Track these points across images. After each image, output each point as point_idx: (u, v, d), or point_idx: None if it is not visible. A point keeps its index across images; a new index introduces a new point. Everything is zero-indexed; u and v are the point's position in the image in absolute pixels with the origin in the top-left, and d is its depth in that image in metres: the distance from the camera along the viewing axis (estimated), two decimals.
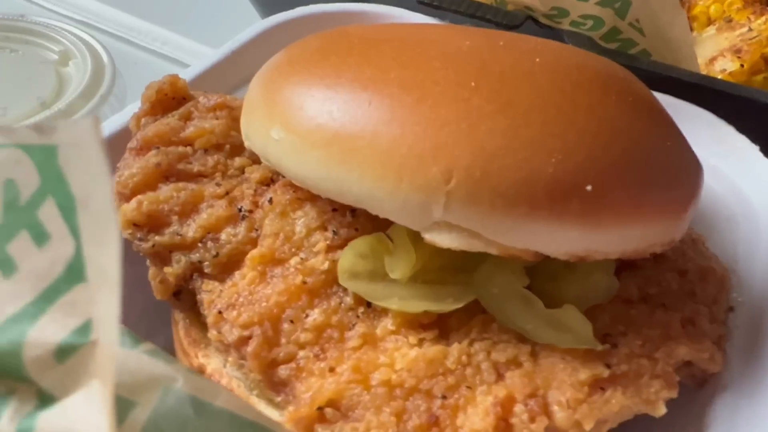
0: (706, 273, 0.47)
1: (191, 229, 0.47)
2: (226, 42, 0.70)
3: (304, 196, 0.47)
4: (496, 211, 0.36)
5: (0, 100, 0.63)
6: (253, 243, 0.46)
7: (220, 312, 0.44)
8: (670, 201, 0.40)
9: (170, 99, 0.55)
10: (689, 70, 0.64)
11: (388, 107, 0.38)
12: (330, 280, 0.44)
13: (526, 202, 0.36)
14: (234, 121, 0.54)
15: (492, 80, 0.39)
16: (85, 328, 0.21)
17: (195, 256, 0.46)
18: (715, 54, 0.84)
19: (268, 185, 0.50)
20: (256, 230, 0.47)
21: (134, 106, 0.56)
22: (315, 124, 0.40)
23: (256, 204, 0.48)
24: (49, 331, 0.21)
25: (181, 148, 0.51)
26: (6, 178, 0.22)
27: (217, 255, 0.46)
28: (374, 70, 0.40)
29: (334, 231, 0.46)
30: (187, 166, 0.50)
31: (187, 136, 0.52)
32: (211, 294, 0.45)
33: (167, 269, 0.46)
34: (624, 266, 0.45)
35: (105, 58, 0.72)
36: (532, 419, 0.38)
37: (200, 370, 0.47)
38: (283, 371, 0.41)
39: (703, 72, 0.82)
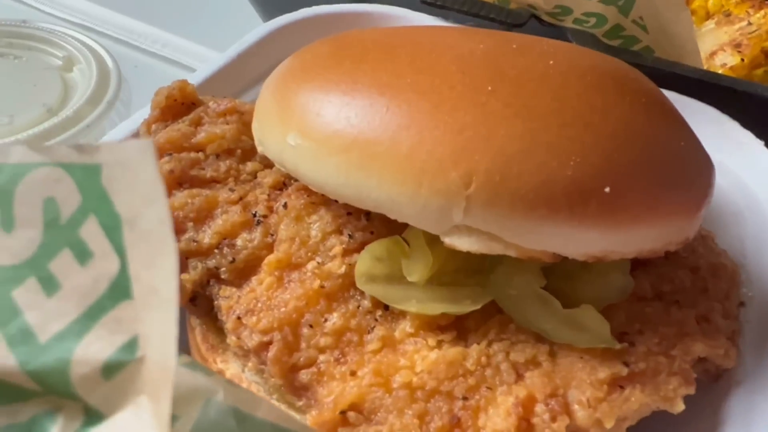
0: (717, 269, 0.48)
1: (207, 236, 0.47)
2: (227, 44, 0.70)
3: (318, 200, 0.47)
4: (516, 214, 0.37)
5: (6, 107, 0.63)
6: (269, 248, 0.47)
7: (239, 318, 0.44)
8: (685, 201, 0.41)
9: (180, 104, 0.55)
10: (693, 66, 0.65)
11: (405, 113, 0.38)
12: (347, 284, 0.44)
13: (546, 204, 0.36)
14: (244, 125, 0.54)
15: (508, 84, 0.39)
16: (132, 344, 0.21)
17: (211, 263, 0.46)
18: (715, 48, 0.85)
19: (281, 189, 0.50)
20: (272, 235, 0.47)
21: (143, 112, 0.56)
22: (333, 130, 0.40)
23: (270, 209, 0.48)
24: (95, 348, 0.21)
25: (193, 154, 0.51)
26: (46, 196, 0.22)
27: (233, 261, 0.46)
28: (390, 75, 0.40)
29: (349, 235, 0.46)
30: (200, 172, 0.50)
31: (199, 141, 0.52)
32: (229, 300, 0.45)
33: (184, 276, 0.46)
34: (637, 264, 0.45)
35: (110, 62, 0.72)
36: (553, 419, 0.38)
37: None
38: (304, 376, 0.42)
39: (704, 65, 0.83)
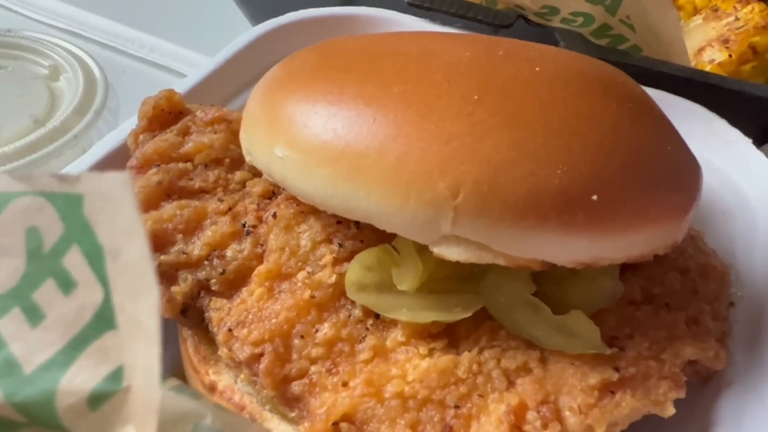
0: (706, 270, 0.48)
1: (196, 247, 0.47)
2: (214, 48, 0.69)
3: (308, 209, 0.47)
4: (504, 223, 0.37)
5: None
6: (259, 258, 0.47)
7: (230, 330, 0.44)
8: (674, 205, 0.41)
9: (167, 114, 0.55)
10: (681, 64, 0.65)
11: (393, 123, 0.38)
12: (338, 293, 0.44)
13: (534, 214, 0.36)
14: (232, 134, 0.53)
15: (495, 92, 0.39)
16: (117, 374, 0.21)
17: (201, 274, 0.46)
18: (703, 44, 0.85)
19: (270, 198, 0.50)
20: (261, 245, 0.47)
21: (130, 122, 0.56)
22: (320, 141, 0.40)
23: (259, 219, 0.48)
24: (80, 378, 0.21)
25: (181, 165, 0.51)
26: (29, 225, 0.22)
27: (223, 272, 0.46)
28: (376, 85, 0.40)
29: (339, 244, 0.46)
30: (189, 182, 0.50)
31: (187, 151, 0.52)
32: (219, 312, 0.45)
33: (174, 288, 0.46)
34: (627, 267, 0.46)
35: (96, 70, 0.71)
36: (544, 426, 0.38)
37: (211, 387, 0.47)
38: (296, 387, 0.42)
39: (692, 62, 0.83)
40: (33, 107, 0.64)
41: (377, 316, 0.44)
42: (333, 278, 0.45)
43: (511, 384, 0.41)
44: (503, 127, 0.37)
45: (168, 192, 0.49)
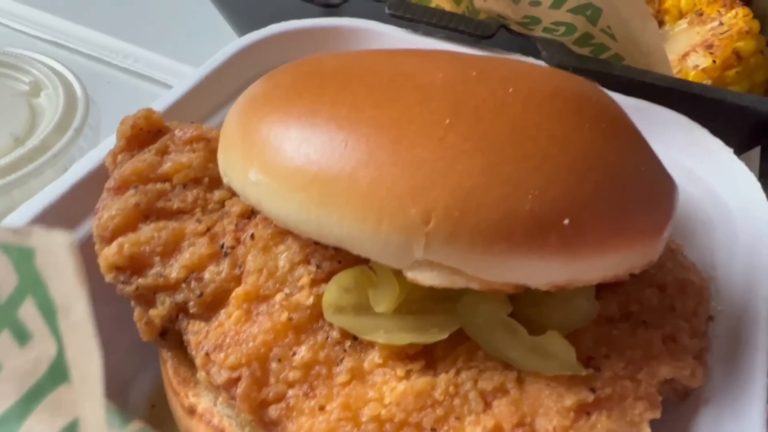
0: (685, 286, 0.48)
1: (174, 270, 0.47)
2: (199, 58, 0.69)
3: (286, 229, 0.47)
4: (476, 249, 0.37)
5: None
6: (237, 280, 0.47)
7: (207, 354, 0.44)
8: (647, 226, 0.41)
9: (146, 133, 0.54)
10: (662, 74, 0.65)
11: (365, 148, 0.38)
12: (315, 315, 0.44)
13: (505, 239, 0.36)
14: (211, 153, 0.53)
15: (467, 116, 0.39)
16: (73, 427, 0.21)
17: (179, 297, 0.46)
18: (688, 49, 0.85)
19: (249, 218, 0.50)
20: (239, 267, 0.47)
21: (110, 141, 0.56)
22: (293, 166, 0.40)
23: (237, 240, 0.48)
24: (36, 431, 0.21)
25: (159, 185, 0.51)
26: None
27: (201, 295, 0.46)
28: (349, 109, 0.40)
29: (317, 264, 0.46)
30: (167, 203, 0.50)
31: (165, 171, 0.52)
32: (197, 335, 0.45)
33: (152, 311, 0.46)
34: (604, 285, 0.45)
35: (77, 86, 0.71)
36: None
37: (191, 410, 0.47)
38: (273, 411, 0.42)
39: (676, 67, 0.83)
40: (13, 125, 0.64)
41: (355, 337, 0.44)
42: (311, 300, 0.45)
43: (487, 406, 0.41)
44: (475, 151, 0.37)
45: (146, 214, 0.49)
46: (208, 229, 0.49)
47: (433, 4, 0.77)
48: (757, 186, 0.58)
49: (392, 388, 0.41)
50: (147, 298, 0.47)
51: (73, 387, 0.20)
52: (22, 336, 0.21)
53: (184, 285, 0.46)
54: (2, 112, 0.65)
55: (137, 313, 0.47)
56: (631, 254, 0.41)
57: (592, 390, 0.40)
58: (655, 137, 0.61)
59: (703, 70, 0.80)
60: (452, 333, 0.43)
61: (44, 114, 0.67)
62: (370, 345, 0.43)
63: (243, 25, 0.91)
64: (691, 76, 0.80)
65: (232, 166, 0.45)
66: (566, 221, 0.37)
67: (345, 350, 0.43)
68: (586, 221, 0.38)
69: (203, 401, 0.47)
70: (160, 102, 0.61)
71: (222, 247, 0.48)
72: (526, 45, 0.68)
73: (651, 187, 0.42)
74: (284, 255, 0.47)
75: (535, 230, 0.37)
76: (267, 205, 0.42)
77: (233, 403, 0.43)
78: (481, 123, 0.39)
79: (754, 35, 0.81)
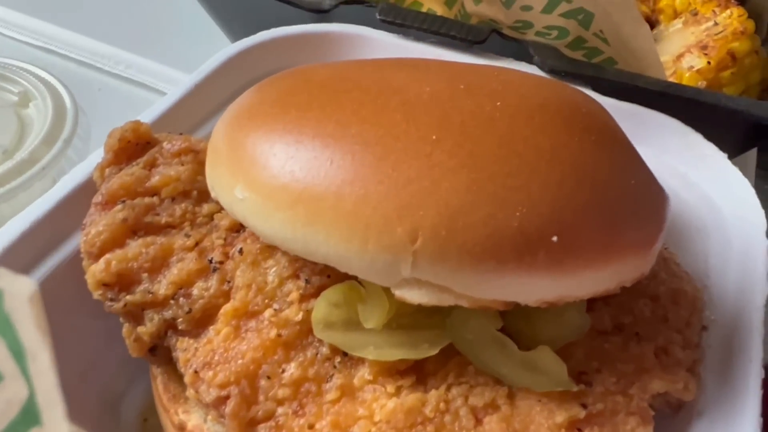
0: (678, 296, 0.48)
1: (162, 286, 0.46)
2: (192, 63, 0.69)
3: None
4: (464, 267, 0.36)
5: None
6: (226, 296, 0.46)
7: (196, 371, 0.43)
8: (638, 239, 0.40)
9: (134, 145, 0.54)
10: (656, 78, 0.64)
11: (350, 166, 0.38)
12: (305, 331, 0.44)
13: (493, 257, 0.36)
14: (200, 165, 0.53)
15: (453, 131, 0.39)
16: None
17: (168, 314, 0.46)
18: (682, 50, 0.84)
19: (238, 231, 0.50)
20: (228, 282, 0.47)
21: (98, 153, 0.56)
22: (278, 184, 0.39)
23: (226, 255, 0.48)
24: None
25: (147, 199, 0.50)
26: None
27: (190, 311, 0.45)
28: (335, 125, 0.40)
29: (306, 279, 0.45)
30: (155, 218, 0.50)
31: (153, 185, 0.51)
32: (186, 352, 0.44)
33: (141, 328, 0.46)
34: (596, 297, 0.45)
35: (66, 97, 0.70)
36: None
37: (181, 427, 0.46)
38: (262, 430, 0.41)
39: (670, 68, 0.83)
40: (2, 137, 0.63)
41: (345, 353, 0.43)
42: (300, 316, 0.44)
43: (478, 422, 0.41)
44: (461, 168, 0.37)
45: (134, 229, 0.49)
46: (197, 244, 0.49)
47: (424, 9, 0.76)
48: (752, 191, 0.57)
49: (382, 405, 0.41)
50: (135, 315, 0.46)
51: (45, 430, 0.20)
52: None
53: (172, 301, 0.46)
54: None
55: (126, 329, 0.47)
56: (623, 268, 0.40)
57: (584, 406, 0.40)
58: (648, 142, 0.61)
59: (698, 71, 0.80)
60: (443, 348, 0.43)
61: (33, 125, 0.66)
62: (360, 361, 0.43)
63: (235, 30, 0.90)
64: (686, 77, 0.79)
65: (218, 182, 0.45)
66: (555, 238, 0.36)
67: (335, 366, 0.43)
68: (575, 237, 0.37)
69: (193, 418, 0.46)
70: (150, 112, 0.60)
71: (211, 262, 0.47)
72: (519, 49, 0.68)
73: (641, 200, 0.41)
74: (273, 270, 0.46)
75: (523, 248, 0.36)
76: (253, 222, 0.41)
77: (223, 421, 0.43)
78: (468, 139, 0.38)
79: (749, 35, 0.80)
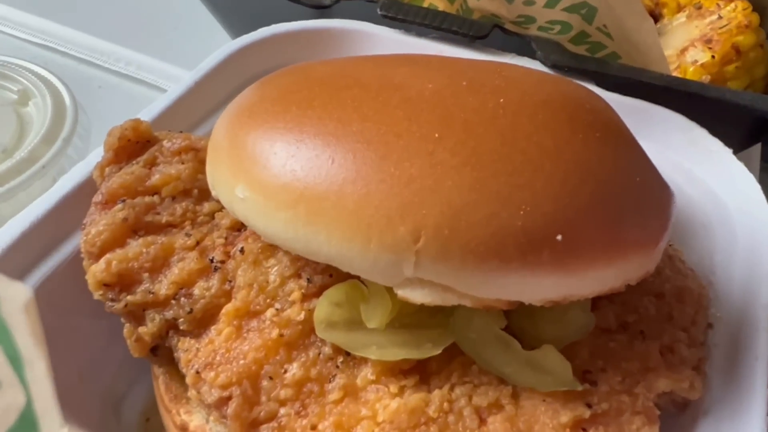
0: (683, 294, 0.47)
1: (163, 286, 0.46)
2: (192, 60, 0.68)
3: None
4: (467, 266, 0.36)
5: None
6: (227, 296, 0.46)
7: (198, 372, 0.43)
8: (643, 237, 0.40)
9: (134, 144, 0.53)
10: (660, 72, 0.64)
11: (351, 165, 0.37)
12: (307, 331, 0.44)
13: (497, 256, 0.36)
14: (200, 163, 0.52)
15: (456, 129, 0.38)
16: None
17: (169, 314, 0.45)
18: (686, 44, 0.84)
19: (239, 230, 0.49)
20: (230, 282, 0.46)
21: (98, 152, 0.55)
22: (280, 184, 0.39)
23: (227, 254, 0.47)
24: None
25: (147, 198, 0.50)
26: None
27: (191, 311, 0.45)
28: (336, 123, 0.39)
29: (308, 279, 0.45)
30: (155, 217, 0.49)
31: (153, 184, 0.51)
32: (188, 353, 0.44)
33: (142, 329, 0.45)
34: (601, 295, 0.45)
35: (65, 95, 0.70)
36: None
37: (183, 428, 0.46)
38: (265, 430, 0.41)
39: (674, 63, 0.82)
40: (1, 136, 0.63)
41: (347, 353, 0.43)
42: (302, 315, 0.44)
43: (482, 422, 0.40)
44: (464, 167, 0.36)
45: (134, 228, 0.48)
46: (198, 243, 0.48)
47: (425, 4, 0.76)
48: (757, 187, 0.57)
49: (385, 405, 0.41)
50: (136, 315, 0.46)
51: None
52: None
53: (173, 301, 0.46)
54: None
55: (127, 330, 0.46)
56: (627, 266, 0.40)
57: (589, 405, 0.40)
58: (653, 137, 0.60)
59: (702, 65, 0.79)
60: (446, 347, 0.42)
61: (32, 124, 0.66)
62: (363, 361, 0.43)
63: (235, 26, 0.89)
64: (690, 71, 0.79)
65: (219, 181, 0.44)
66: (559, 237, 0.36)
67: (337, 366, 0.43)
68: (579, 236, 0.37)
69: (195, 419, 0.46)
70: (150, 110, 0.60)
71: (212, 261, 0.47)
72: (521, 45, 0.67)
73: (646, 198, 0.41)
74: (275, 269, 0.46)
75: (526, 247, 0.36)
76: (254, 221, 0.41)
77: (225, 421, 0.43)
78: (470, 136, 0.38)
79: (753, 29, 0.79)
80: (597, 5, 0.63)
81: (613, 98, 0.61)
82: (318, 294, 0.44)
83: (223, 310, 0.45)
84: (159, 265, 0.47)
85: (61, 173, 0.61)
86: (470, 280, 0.37)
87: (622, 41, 0.65)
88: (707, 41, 0.80)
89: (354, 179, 0.37)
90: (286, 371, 0.42)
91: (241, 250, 0.47)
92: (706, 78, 0.78)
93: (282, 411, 0.41)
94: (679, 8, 0.90)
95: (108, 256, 0.46)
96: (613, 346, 0.43)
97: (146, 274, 0.46)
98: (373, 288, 0.43)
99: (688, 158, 0.61)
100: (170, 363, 0.48)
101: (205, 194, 0.51)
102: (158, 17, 1.01)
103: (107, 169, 0.53)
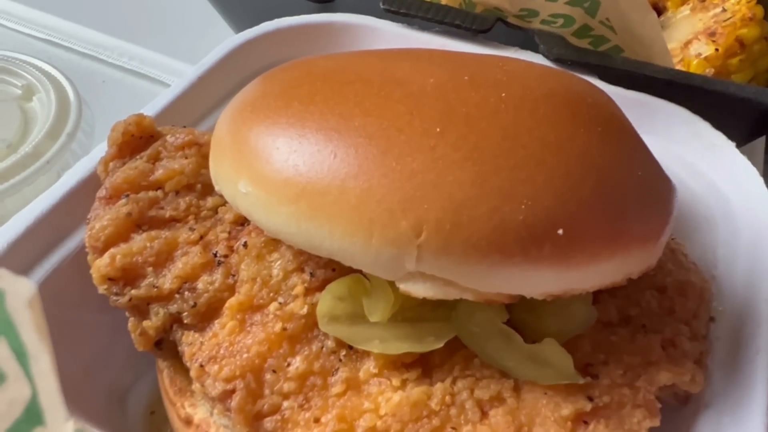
0: (685, 288, 0.47)
1: (167, 280, 0.46)
2: (195, 54, 0.68)
3: None
4: (469, 260, 0.36)
5: None
6: (231, 290, 0.46)
7: (202, 365, 0.43)
8: (645, 232, 0.40)
9: (137, 139, 0.54)
10: (663, 66, 0.64)
11: (353, 159, 0.37)
12: (310, 324, 0.44)
13: (498, 251, 0.36)
14: (204, 158, 0.53)
15: (458, 124, 0.38)
16: None
17: (173, 308, 0.46)
18: (690, 37, 0.83)
19: (242, 225, 0.50)
20: (233, 276, 0.46)
21: (102, 147, 0.55)
22: (282, 179, 0.39)
23: (231, 248, 0.48)
24: None
25: (151, 193, 0.50)
26: None
27: (195, 305, 0.45)
28: (338, 118, 0.39)
29: (311, 273, 0.45)
30: (159, 211, 0.49)
31: (157, 179, 0.51)
32: (192, 347, 0.44)
33: (146, 323, 0.46)
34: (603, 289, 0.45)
35: (69, 90, 0.70)
36: None
37: (187, 421, 0.47)
38: (268, 423, 0.41)
39: (678, 56, 0.82)
40: (6, 131, 0.63)
41: (350, 346, 0.43)
42: (305, 309, 0.44)
43: (484, 415, 0.40)
44: (466, 161, 0.37)
45: (138, 223, 0.49)
46: (201, 238, 0.48)
47: None
48: (760, 181, 0.57)
49: (388, 398, 0.41)
50: (141, 309, 0.46)
51: (48, 430, 0.20)
52: None
53: (177, 295, 0.46)
54: None
55: (131, 323, 0.47)
56: (629, 261, 0.40)
57: (590, 399, 0.40)
58: (655, 131, 0.60)
59: (706, 58, 0.79)
60: (448, 341, 0.42)
61: (37, 119, 0.66)
62: (366, 354, 0.43)
63: (237, 20, 0.90)
64: (694, 65, 0.78)
65: (222, 176, 0.45)
66: (560, 231, 0.36)
67: (340, 360, 0.43)
68: (580, 230, 0.37)
69: (199, 411, 0.46)
70: (153, 105, 0.60)
71: (215, 255, 0.47)
72: (524, 38, 0.67)
73: (648, 192, 0.41)
74: (278, 263, 0.46)
75: (528, 241, 0.36)
76: (257, 216, 0.41)
77: (229, 414, 0.43)
78: (472, 131, 0.38)
79: (757, 21, 0.79)
80: None
81: (616, 92, 0.61)
82: (321, 288, 0.45)
83: (227, 304, 0.45)
84: (163, 259, 0.47)
85: (66, 168, 0.61)
86: (472, 274, 0.37)
87: (626, 35, 0.64)
88: (711, 34, 0.80)
89: (356, 174, 0.37)
90: (289, 365, 0.43)
91: (245, 245, 0.47)
92: (709, 71, 0.78)
93: (285, 404, 0.42)
94: (683, 1, 0.89)
95: (112, 250, 0.47)
96: (614, 340, 0.43)
97: (150, 269, 0.47)
98: (375, 282, 0.43)
99: (692, 152, 0.61)
100: (174, 356, 0.48)
101: (208, 189, 0.52)
102: (161, 12, 1.01)
103: (111, 164, 0.53)
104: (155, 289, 0.46)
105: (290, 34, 0.71)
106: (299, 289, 0.45)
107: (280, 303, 0.45)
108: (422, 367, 0.43)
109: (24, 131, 0.65)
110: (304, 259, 0.46)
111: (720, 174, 0.59)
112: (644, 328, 0.44)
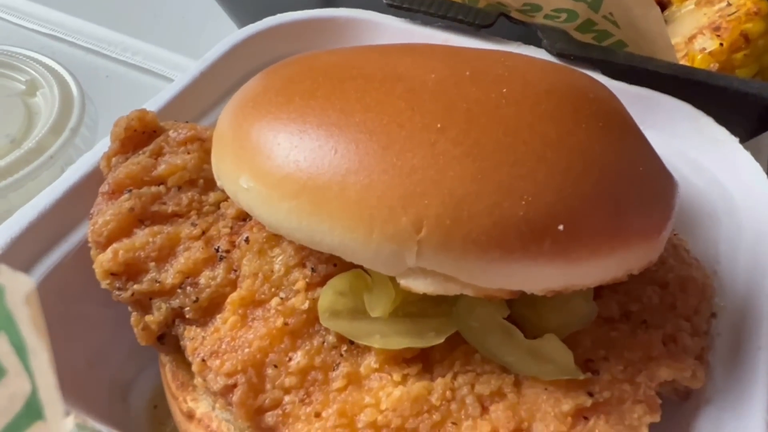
0: (686, 283, 0.47)
1: (170, 275, 0.46)
2: (198, 49, 0.69)
3: None
4: (469, 256, 0.36)
5: None
6: (233, 285, 0.46)
7: (203, 360, 0.44)
8: (646, 227, 0.40)
9: (140, 134, 0.54)
10: (666, 61, 0.63)
11: (354, 155, 0.38)
12: (311, 319, 0.44)
13: (498, 246, 0.36)
14: (206, 153, 0.53)
15: (458, 119, 0.38)
16: None
17: (175, 303, 0.46)
18: (695, 31, 0.83)
19: (244, 220, 0.50)
20: (235, 271, 0.47)
21: (105, 142, 0.56)
22: (283, 174, 0.39)
23: (233, 243, 0.48)
24: None
25: (153, 188, 0.50)
26: None
27: (197, 300, 0.46)
28: (339, 113, 0.39)
29: (312, 268, 0.45)
30: (162, 207, 0.50)
31: (160, 174, 0.51)
32: (194, 341, 0.45)
33: (148, 317, 0.46)
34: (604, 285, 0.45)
35: (73, 85, 0.70)
36: None
37: (189, 415, 0.47)
38: (269, 418, 0.42)
39: (682, 50, 0.81)
40: (9, 126, 0.64)
41: (351, 342, 0.43)
42: (306, 304, 0.44)
43: (485, 410, 0.41)
44: (466, 157, 0.37)
45: (140, 218, 0.49)
46: (204, 233, 0.49)
47: None
48: (764, 177, 0.57)
49: (388, 393, 0.41)
50: (143, 304, 0.46)
51: (48, 425, 0.20)
52: None
53: (179, 290, 0.46)
54: None
55: (134, 318, 0.47)
56: (630, 256, 0.40)
57: (590, 394, 0.40)
58: (658, 126, 0.60)
59: (710, 53, 0.78)
60: (449, 336, 0.43)
61: (40, 114, 0.67)
62: (367, 349, 0.43)
63: (241, 16, 0.90)
64: (698, 59, 0.78)
65: (224, 171, 0.45)
66: (561, 227, 0.36)
67: (341, 355, 0.43)
68: (581, 226, 0.37)
69: (202, 406, 0.47)
70: (156, 100, 0.60)
71: (217, 250, 0.47)
72: (527, 33, 0.67)
73: (649, 187, 0.41)
74: (279, 258, 0.46)
75: (528, 237, 0.36)
76: (258, 211, 0.41)
77: (230, 408, 0.43)
78: (473, 127, 0.38)
79: (762, 16, 0.78)
80: None
81: (618, 87, 0.61)
82: (322, 283, 0.45)
83: (229, 299, 0.45)
84: (165, 254, 0.47)
85: (69, 163, 0.62)
86: (472, 270, 0.37)
87: (629, 29, 0.64)
88: (715, 29, 0.80)
89: (356, 170, 0.37)
90: (290, 359, 0.43)
91: (246, 240, 0.47)
92: (714, 66, 0.78)
93: (286, 399, 0.42)
94: None
95: (115, 245, 0.47)
96: (615, 336, 0.43)
97: (152, 264, 0.47)
98: (376, 277, 0.43)
99: (694, 147, 0.61)
100: (177, 351, 0.48)
101: (210, 184, 0.52)
102: (165, 7, 1.01)
103: (114, 159, 0.53)
104: (157, 284, 0.46)
105: (293, 29, 0.71)
106: (300, 284, 0.45)
107: (281, 298, 0.45)
108: (423, 362, 0.43)
109: (27, 126, 0.65)
110: (305, 254, 0.46)
111: (723, 170, 0.59)
112: (645, 324, 0.44)
